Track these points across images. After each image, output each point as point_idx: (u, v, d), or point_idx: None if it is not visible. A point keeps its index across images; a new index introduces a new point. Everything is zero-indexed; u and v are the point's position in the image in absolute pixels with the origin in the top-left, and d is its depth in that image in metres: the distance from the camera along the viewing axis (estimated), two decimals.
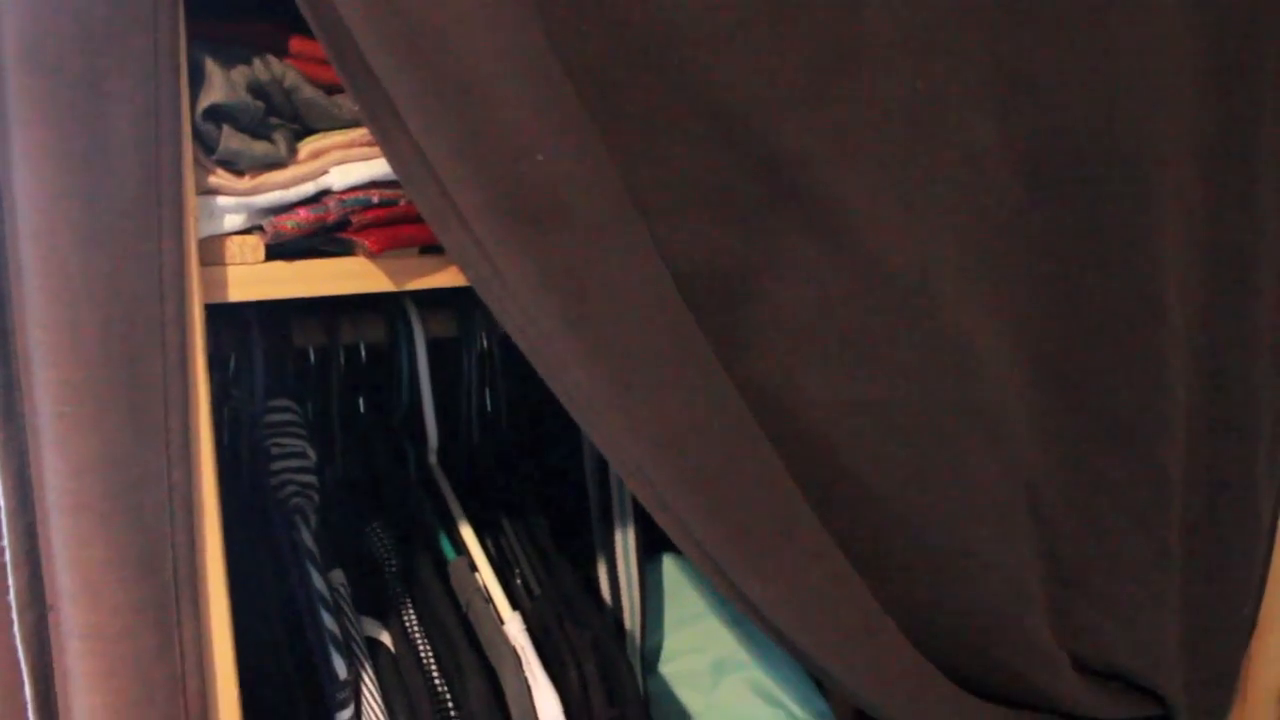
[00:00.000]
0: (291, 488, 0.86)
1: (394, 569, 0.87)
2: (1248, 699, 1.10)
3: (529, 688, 0.79)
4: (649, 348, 0.64)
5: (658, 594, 1.07)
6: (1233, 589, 1.02)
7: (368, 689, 0.77)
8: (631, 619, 1.03)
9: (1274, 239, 0.97)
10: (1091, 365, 0.89)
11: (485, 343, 0.96)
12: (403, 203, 0.65)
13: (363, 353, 0.93)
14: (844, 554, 0.74)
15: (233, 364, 0.90)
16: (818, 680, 1.10)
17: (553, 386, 0.66)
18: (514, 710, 0.79)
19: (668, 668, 1.07)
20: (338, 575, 0.83)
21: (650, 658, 1.07)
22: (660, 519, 0.70)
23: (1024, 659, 0.88)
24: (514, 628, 0.82)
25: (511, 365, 0.98)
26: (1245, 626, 1.06)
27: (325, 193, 0.64)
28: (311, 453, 0.89)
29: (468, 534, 0.89)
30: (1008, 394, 0.84)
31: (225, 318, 0.82)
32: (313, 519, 0.85)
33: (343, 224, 0.65)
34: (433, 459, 0.95)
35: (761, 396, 0.71)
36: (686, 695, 1.05)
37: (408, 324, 0.92)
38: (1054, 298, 0.87)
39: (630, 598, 1.03)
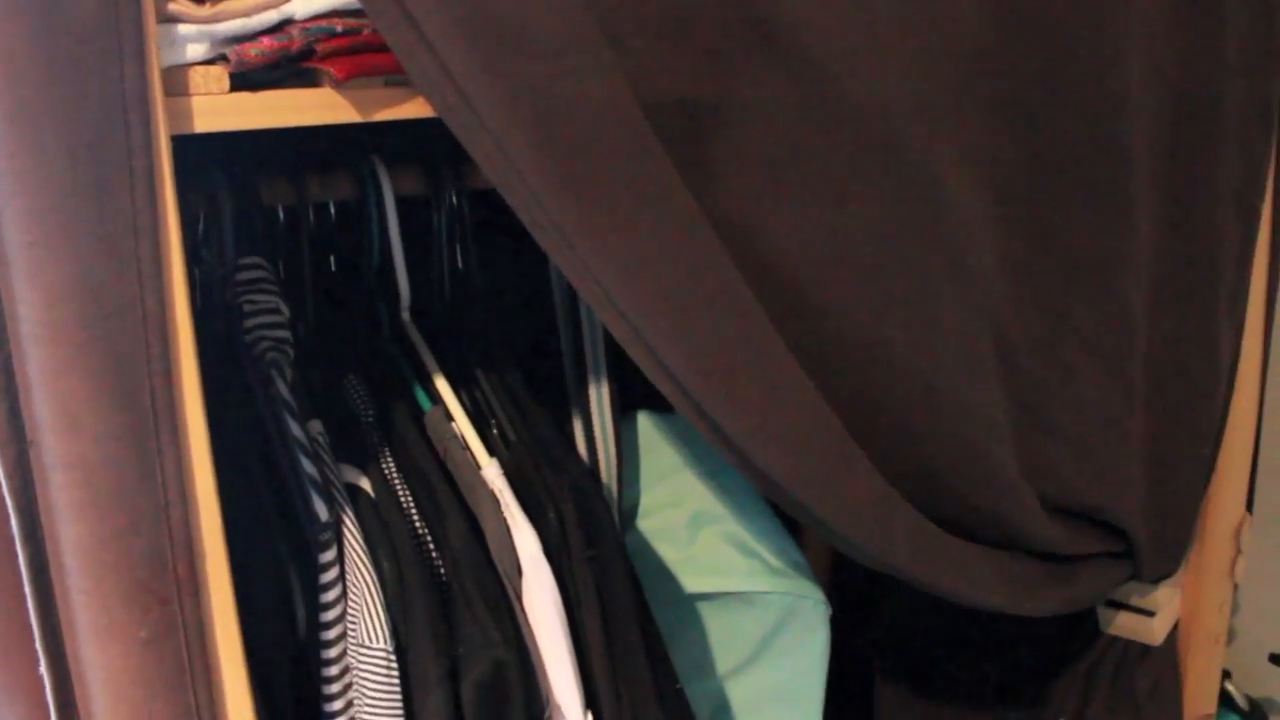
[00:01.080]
0: (266, 343, 0.86)
1: (370, 419, 0.88)
2: (1205, 539, 1.14)
3: (508, 529, 0.81)
4: (617, 171, 0.64)
5: (633, 449, 1.09)
6: (1194, 430, 1.05)
7: (349, 531, 0.78)
8: (608, 473, 1.05)
9: (1239, 84, 0.97)
10: (1058, 206, 0.90)
11: (455, 200, 0.96)
12: (366, 31, 0.65)
13: (332, 211, 0.93)
14: (814, 386, 0.76)
15: (201, 224, 0.90)
16: (794, 530, 1.13)
17: (522, 217, 0.67)
18: (494, 550, 0.81)
19: (645, 523, 1.09)
20: (315, 425, 0.83)
21: (627, 513, 1.09)
22: (632, 350, 0.71)
23: (992, 494, 0.90)
24: (491, 472, 0.83)
25: (481, 224, 0.99)
26: (1205, 467, 1.09)
27: (288, 21, 0.64)
28: (285, 309, 0.89)
29: (442, 386, 0.89)
30: (974, 232, 0.85)
31: (192, 177, 0.82)
32: (288, 372, 0.85)
33: (307, 53, 0.64)
34: (406, 315, 0.95)
35: (729, 231, 0.72)
36: (664, 549, 1.08)
37: (376, 181, 0.91)
38: (1021, 138, 0.88)
39: (606, 452, 1.04)
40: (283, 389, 0.83)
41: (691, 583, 1.07)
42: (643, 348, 0.70)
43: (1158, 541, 1.05)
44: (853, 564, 1.43)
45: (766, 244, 0.75)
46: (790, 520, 1.13)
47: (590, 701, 0.83)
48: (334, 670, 0.78)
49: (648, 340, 0.69)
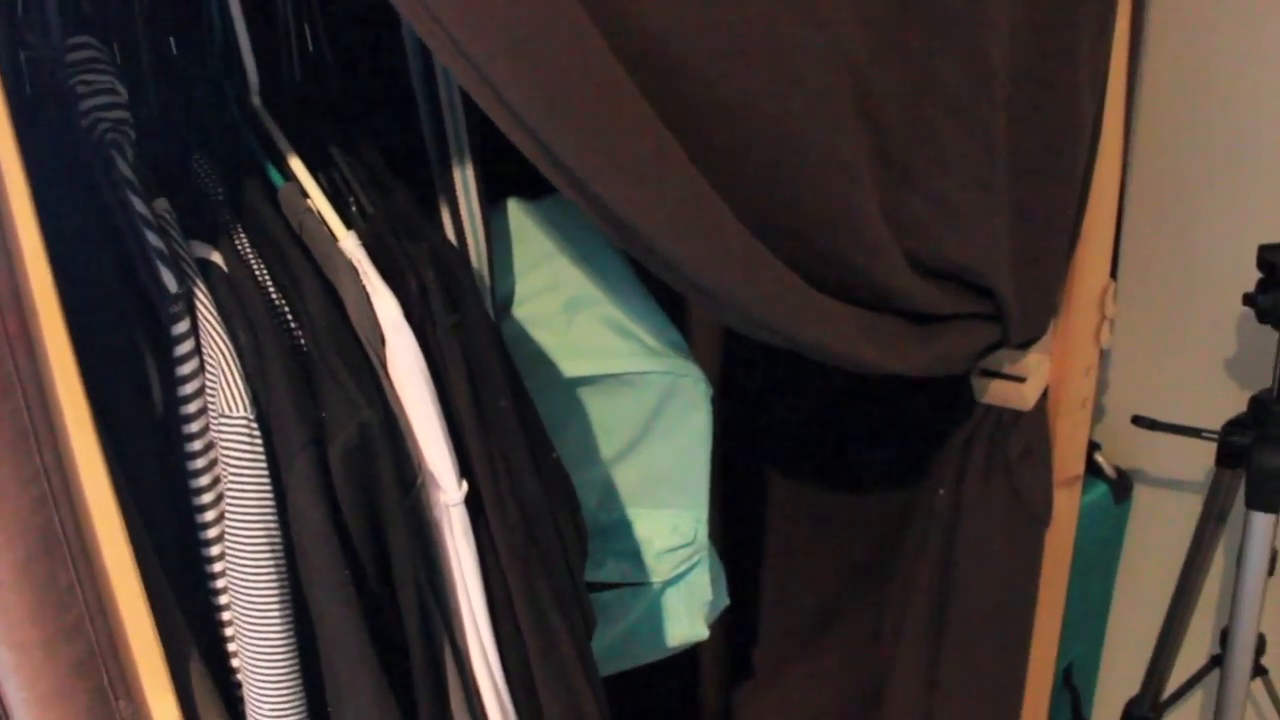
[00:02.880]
0: (104, 125, 0.82)
1: (220, 197, 0.84)
2: (1071, 304, 1.16)
3: (368, 296, 0.79)
4: None
5: (504, 238, 1.07)
6: (1058, 193, 1.06)
7: (201, 303, 0.76)
8: (478, 260, 1.03)
9: None
10: None
11: None
12: None
13: None
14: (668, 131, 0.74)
15: (20, 4, 0.84)
16: (673, 313, 1.13)
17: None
18: (354, 319, 0.79)
19: (520, 311, 1.08)
20: (161, 203, 0.80)
21: (502, 303, 1.08)
22: (477, 95, 0.69)
23: (857, 249, 0.91)
24: (349, 244, 0.81)
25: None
26: (1070, 232, 1.11)
27: None
28: (121, 89, 0.84)
29: (296, 164, 0.86)
30: None
31: None
32: (129, 152, 0.81)
33: None
34: (255, 100, 0.91)
35: None
36: (541, 336, 1.07)
37: None
38: None
39: (475, 239, 1.03)
40: (124, 169, 0.79)
41: (570, 367, 1.07)
42: (489, 91, 0.68)
43: (1025, 304, 1.07)
44: (736, 357, 1.46)
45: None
46: (668, 303, 1.13)
47: (465, 472, 0.83)
48: (197, 445, 0.76)
49: (491, 79, 0.67)
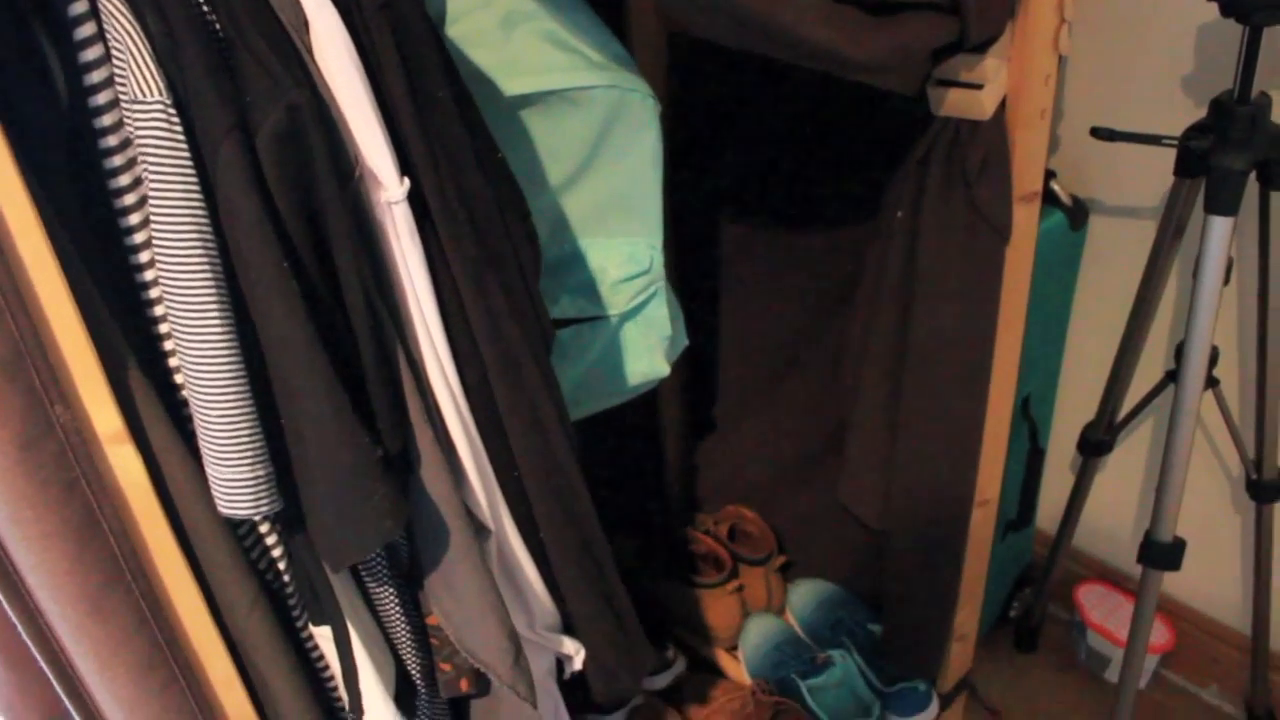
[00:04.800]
0: None
1: None
2: (1030, 7, 1.11)
3: None
4: None
5: None
6: None
7: None
8: None
9: None
10: None
11: None
12: None
13: None
14: None
15: None
16: (616, 28, 1.07)
17: None
18: (274, 2, 0.73)
19: (454, 30, 1.01)
20: None
21: (434, 22, 1.01)
22: None
23: None
24: None
25: None
26: None
27: None
28: None
29: None
30: None
31: None
32: None
33: None
34: None
35: None
36: (478, 55, 1.01)
37: None
38: None
39: None
40: None
41: (511, 85, 1.01)
42: None
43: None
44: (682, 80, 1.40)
45: None
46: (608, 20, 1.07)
47: (405, 169, 0.78)
48: (112, 140, 0.71)
49: None
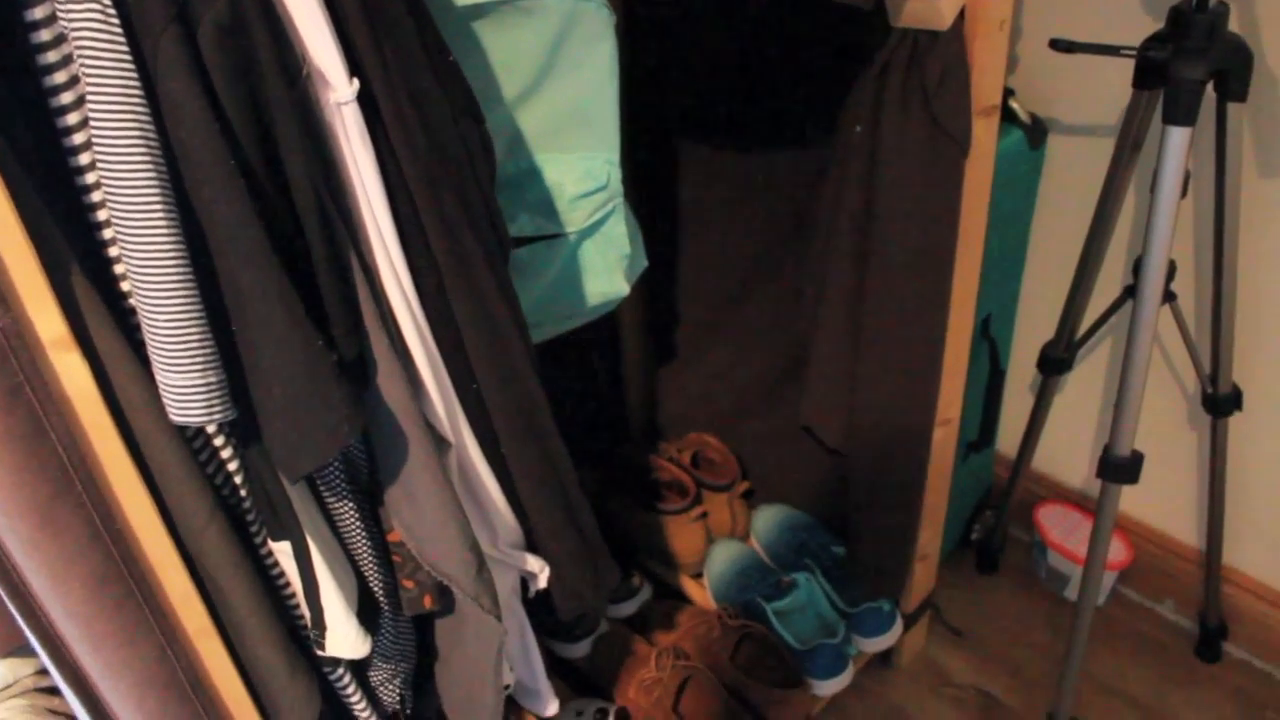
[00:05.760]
0: None
1: None
2: None
3: None
4: None
5: None
6: None
7: None
8: None
9: None
10: None
11: None
12: None
13: None
14: None
15: None
16: None
17: None
18: None
19: None
20: None
21: None
22: None
23: None
24: None
25: None
26: None
27: None
28: None
29: None
30: None
31: None
32: None
33: None
34: None
35: None
36: None
37: None
38: None
39: None
40: None
41: None
42: None
43: None
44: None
45: None
46: None
47: (354, 69, 0.76)
48: (44, 35, 0.68)
49: None
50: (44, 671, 1.18)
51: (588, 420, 1.74)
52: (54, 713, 1.17)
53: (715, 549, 1.65)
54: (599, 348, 1.64)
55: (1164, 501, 1.69)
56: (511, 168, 1.09)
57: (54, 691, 1.17)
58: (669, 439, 1.77)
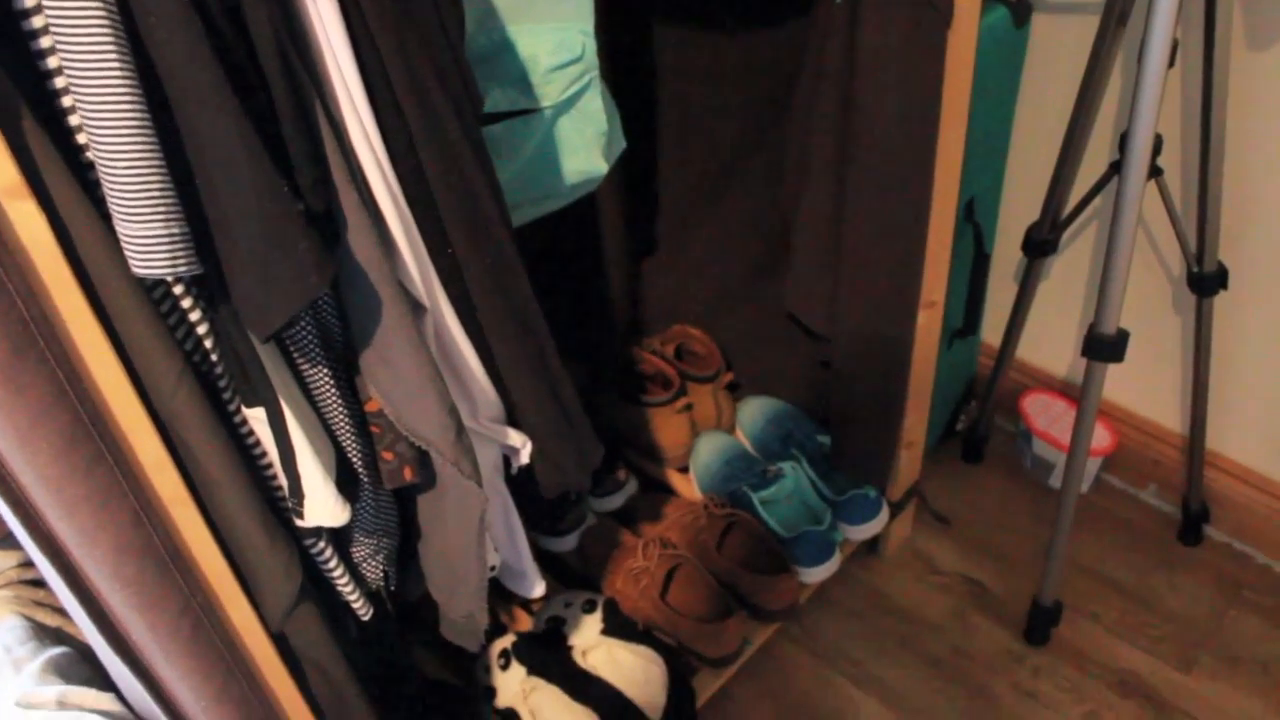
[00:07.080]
0: None
1: None
2: None
3: None
4: None
5: None
6: None
7: None
8: None
9: None
10: None
11: None
12: None
13: None
14: None
15: None
16: None
17: None
18: None
19: None
20: None
21: None
22: None
23: None
24: None
25: None
26: None
27: None
28: None
29: None
30: None
31: None
32: None
33: None
34: None
35: None
36: None
37: None
38: None
39: None
40: None
41: None
42: None
43: None
44: None
45: None
46: None
47: None
48: None
49: None
50: (28, 564, 1.18)
51: (570, 315, 1.72)
52: (39, 604, 1.16)
53: (701, 441, 1.65)
54: (580, 242, 1.61)
55: (1148, 387, 1.69)
56: (484, 40, 1.06)
57: (39, 584, 1.17)
58: (652, 332, 1.76)
